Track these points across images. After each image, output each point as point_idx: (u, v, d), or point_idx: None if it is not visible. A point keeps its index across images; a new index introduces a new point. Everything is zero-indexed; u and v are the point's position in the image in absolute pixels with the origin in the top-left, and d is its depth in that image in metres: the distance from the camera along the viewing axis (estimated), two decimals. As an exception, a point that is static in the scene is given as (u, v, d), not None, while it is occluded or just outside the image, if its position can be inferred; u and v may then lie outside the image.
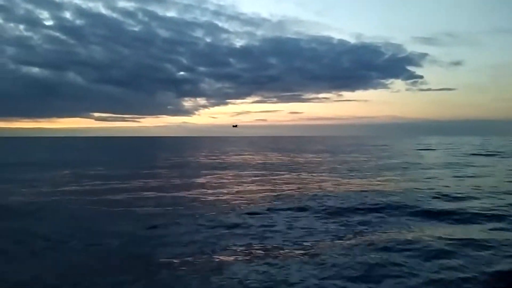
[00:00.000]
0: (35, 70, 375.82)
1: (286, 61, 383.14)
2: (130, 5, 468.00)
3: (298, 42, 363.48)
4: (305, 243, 9.35)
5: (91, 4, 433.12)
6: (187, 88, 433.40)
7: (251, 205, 14.24)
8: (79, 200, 15.81)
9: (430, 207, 13.63)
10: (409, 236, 9.75)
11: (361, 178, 22.56)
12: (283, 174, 25.06)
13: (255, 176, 24.26)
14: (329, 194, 16.61)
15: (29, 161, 42.27)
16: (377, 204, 14.20)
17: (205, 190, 18.29)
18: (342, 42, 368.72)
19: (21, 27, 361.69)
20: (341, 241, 9.54)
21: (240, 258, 8.34)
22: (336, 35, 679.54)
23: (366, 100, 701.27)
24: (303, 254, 8.54)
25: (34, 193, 17.56)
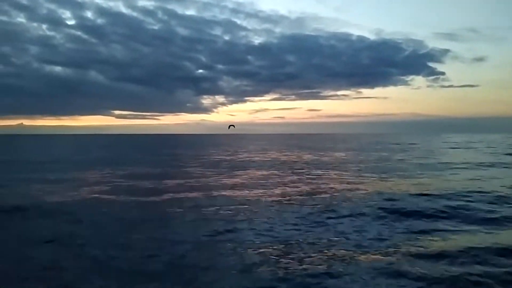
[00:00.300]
0: (58, 68, 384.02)
1: (305, 58, 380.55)
2: (150, 4, 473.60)
3: (317, 39, 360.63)
4: (381, 251, 8.68)
5: (111, 3, 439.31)
6: (205, 86, 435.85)
7: (307, 209, 13.53)
8: (122, 201, 15.45)
9: (497, 215, 12.70)
10: (492, 248, 8.95)
11: (405, 178, 21.63)
12: (322, 174, 24.25)
13: (295, 175, 23.56)
14: (382, 196, 15.82)
15: (59, 159, 42.70)
16: (437, 208, 13.37)
17: (249, 191, 17.66)
18: (361, 39, 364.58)
19: (44, 26, 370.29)
20: (421, 249, 8.86)
21: (313, 267, 7.74)
22: (356, 32, 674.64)
23: (385, 97, 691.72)
24: (383, 264, 7.93)
25: (72, 193, 17.24)
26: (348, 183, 20.09)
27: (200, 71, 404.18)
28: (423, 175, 23.64)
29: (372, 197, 15.72)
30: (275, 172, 26.25)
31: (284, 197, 15.92)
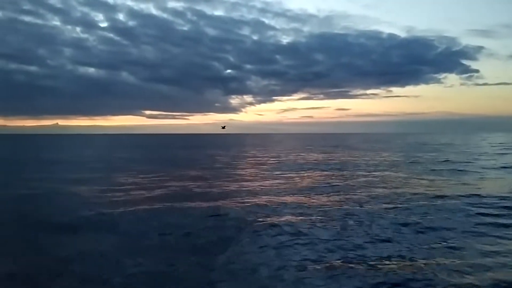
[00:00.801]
0: (91, 70, 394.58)
1: (333, 57, 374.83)
2: (180, 5, 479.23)
3: (346, 38, 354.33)
4: None
5: (142, 6, 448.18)
6: (234, 85, 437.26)
7: (401, 217, 11.86)
8: (184, 210, 14.24)
9: None
10: None
11: (480, 180, 19.65)
12: (387, 176, 22.29)
13: (355, 177, 21.81)
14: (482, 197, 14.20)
15: (100, 159, 42.70)
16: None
17: (321, 196, 16.20)
18: (392, 36, 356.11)
19: (78, 29, 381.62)
20: None
21: None
22: (386, 29, 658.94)
23: (417, 96, 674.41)
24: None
25: (131, 202, 16.40)
26: (424, 186, 18.35)
27: (229, 71, 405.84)
28: (501, 178, 21.58)
29: (467, 206, 14.00)
30: (333, 173, 24.68)
31: (365, 204, 14.36)
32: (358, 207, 13.77)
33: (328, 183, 20.38)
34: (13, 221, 12.26)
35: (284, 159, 39.79)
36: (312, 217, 12.19)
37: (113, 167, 30.63)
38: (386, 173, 24.73)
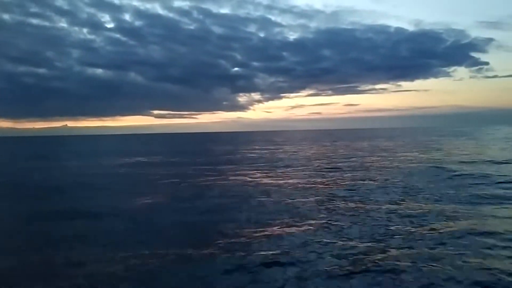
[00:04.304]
0: (99, 71, 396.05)
1: (341, 52, 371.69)
2: (185, 4, 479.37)
3: (353, 33, 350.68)
4: None
5: (148, 5, 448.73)
6: (241, 83, 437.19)
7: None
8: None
9: None
10: None
11: None
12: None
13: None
14: None
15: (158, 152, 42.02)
16: None
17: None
18: (400, 30, 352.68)
19: (85, 30, 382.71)
20: None
21: None
22: (394, 23, 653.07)
23: (426, 90, 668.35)
24: None
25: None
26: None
27: (236, 69, 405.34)
28: None
29: None
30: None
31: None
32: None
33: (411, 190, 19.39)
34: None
35: (335, 159, 38.80)
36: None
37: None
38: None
